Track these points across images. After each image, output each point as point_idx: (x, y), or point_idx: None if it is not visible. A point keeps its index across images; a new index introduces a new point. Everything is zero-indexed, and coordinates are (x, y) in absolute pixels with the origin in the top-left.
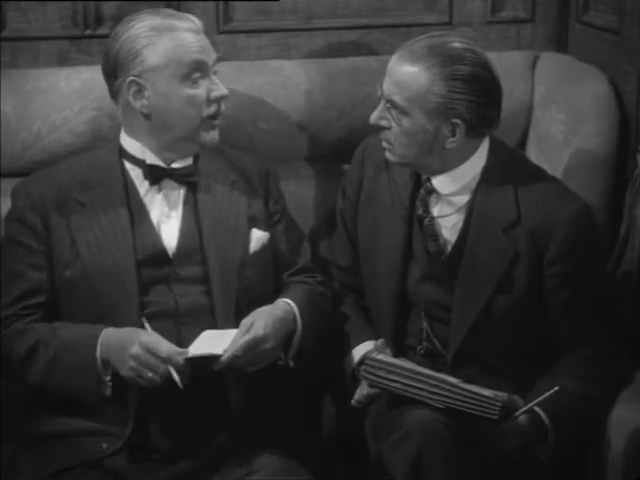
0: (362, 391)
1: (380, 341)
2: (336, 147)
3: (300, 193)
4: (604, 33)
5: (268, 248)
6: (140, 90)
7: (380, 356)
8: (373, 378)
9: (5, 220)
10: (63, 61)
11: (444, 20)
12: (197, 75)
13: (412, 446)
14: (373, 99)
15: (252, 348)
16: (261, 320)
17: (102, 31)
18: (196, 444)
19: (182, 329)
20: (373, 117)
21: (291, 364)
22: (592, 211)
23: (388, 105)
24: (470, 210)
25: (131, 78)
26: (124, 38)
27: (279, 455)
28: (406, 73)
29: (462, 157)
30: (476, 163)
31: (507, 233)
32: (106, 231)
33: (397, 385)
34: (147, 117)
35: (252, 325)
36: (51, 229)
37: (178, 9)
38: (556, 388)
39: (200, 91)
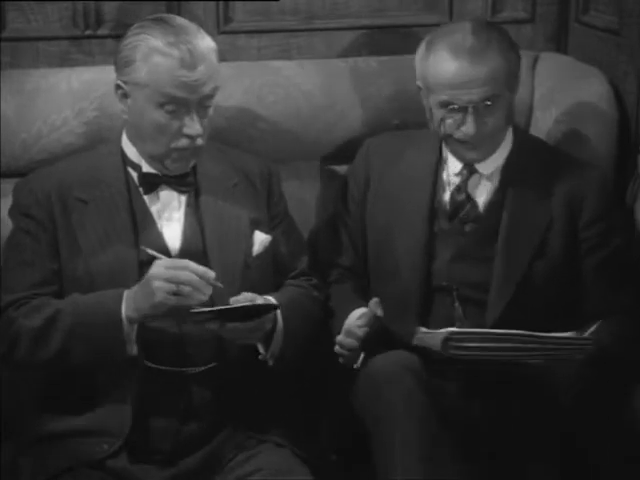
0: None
1: (374, 300)
2: (336, 148)
3: (300, 194)
4: (604, 34)
5: (270, 251)
6: (125, 96)
7: (461, 329)
8: (464, 353)
9: (11, 216)
10: (63, 61)
11: (444, 21)
12: (172, 108)
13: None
14: (373, 100)
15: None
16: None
17: (102, 31)
18: (196, 444)
19: (184, 329)
20: (472, 131)
21: (270, 362)
22: None
23: (481, 105)
24: (504, 185)
25: (119, 82)
26: (127, 42)
27: (279, 455)
28: (486, 68)
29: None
30: (508, 141)
31: (541, 202)
32: (108, 230)
33: (492, 353)
34: (126, 122)
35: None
36: (57, 224)
37: (179, 9)
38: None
39: (172, 123)
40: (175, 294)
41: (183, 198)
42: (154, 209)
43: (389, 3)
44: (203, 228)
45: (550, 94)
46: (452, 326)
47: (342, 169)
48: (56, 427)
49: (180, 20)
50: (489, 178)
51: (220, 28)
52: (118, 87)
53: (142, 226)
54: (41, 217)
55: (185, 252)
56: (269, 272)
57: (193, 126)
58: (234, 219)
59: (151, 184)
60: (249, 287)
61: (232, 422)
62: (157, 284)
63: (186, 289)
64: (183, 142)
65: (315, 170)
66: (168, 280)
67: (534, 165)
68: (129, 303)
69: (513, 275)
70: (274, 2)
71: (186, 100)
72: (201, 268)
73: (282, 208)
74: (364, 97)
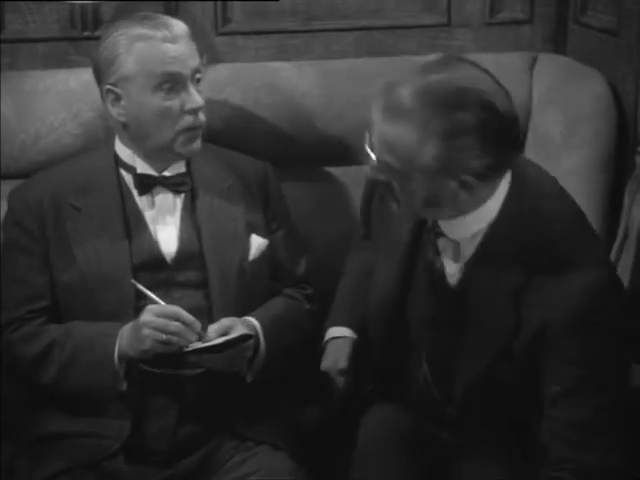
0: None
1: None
2: (334, 149)
3: (298, 196)
4: (602, 34)
5: (267, 255)
6: (117, 99)
7: None
8: None
9: (3, 225)
10: (61, 62)
11: (442, 21)
12: (169, 86)
13: None
14: (371, 101)
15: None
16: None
17: (100, 33)
18: (193, 446)
19: None
20: (369, 173)
21: (248, 379)
22: (612, 280)
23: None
24: (476, 259)
25: (108, 86)
26: (105, 44)
27: (276, 457)
28: (391, 133)
29: (479, 201)
30: (495, 203)
31: (508, 297)
32: (102, 236)
33: None
34: (125, 126)
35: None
36: (48, 233)
37: (176, 10)
38: None
39: (173, 103)
40: (163, 343)
41: (179, 201)
42: (148, 214)
43: (387, 4)
44: (199, 231)
45: (548, 95)
46: (418, 386)
47: (340, 170)
48: (54, 428)
49: (149, 12)
50: (464, 245)
51: (218, 29)
52: (108, 92)
53: (135, 231)
54: (32, 227)
55: (181, 256)
56: (265, 276)
57: (193, 99)
58: (230, 221)
59: (146, 185)
60: (245, 291)
61: (228, 424)
62: (147, 332)
63: (174, 339)
64: (188, 120)
65: (313, 172)
66: (158, 329)
67: (515, 241)
68: (122, 342)
69: (478, 367)
70: (272, 3)
71: (180, 74)
72: (189, 317)
73: (283, 210)
74: (362, 98)
